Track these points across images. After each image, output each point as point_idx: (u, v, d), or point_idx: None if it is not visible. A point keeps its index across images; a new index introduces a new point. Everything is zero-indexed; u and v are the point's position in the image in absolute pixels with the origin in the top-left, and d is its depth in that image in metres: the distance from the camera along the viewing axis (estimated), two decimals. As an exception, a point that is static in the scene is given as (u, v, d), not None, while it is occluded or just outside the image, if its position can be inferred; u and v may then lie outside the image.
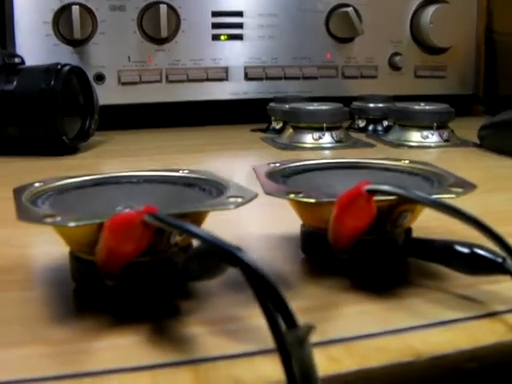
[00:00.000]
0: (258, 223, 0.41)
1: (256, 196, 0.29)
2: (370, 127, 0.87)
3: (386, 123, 0.86)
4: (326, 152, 0.74)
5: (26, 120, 0.69)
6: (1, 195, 0.44)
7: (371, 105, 0.87)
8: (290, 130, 0.78)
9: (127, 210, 0.29)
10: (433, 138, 0.75)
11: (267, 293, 0.21)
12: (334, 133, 0.76)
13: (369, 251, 0.31)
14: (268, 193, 0.30)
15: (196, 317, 0.27)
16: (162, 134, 0.88)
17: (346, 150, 0.74)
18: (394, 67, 0.98)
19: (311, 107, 0.76)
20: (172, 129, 0.90)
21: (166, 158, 0.71)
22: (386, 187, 0.26)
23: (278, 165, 0.38)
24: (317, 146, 0.75)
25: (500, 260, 0.27)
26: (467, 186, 0.31)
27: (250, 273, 0.22)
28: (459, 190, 0.30)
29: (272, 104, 0.88)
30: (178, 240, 0.28)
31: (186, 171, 0.36)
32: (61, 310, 0.28)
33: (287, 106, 0.80)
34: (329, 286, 0.31)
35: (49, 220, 0.25)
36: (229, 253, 0.23)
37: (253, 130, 0.91)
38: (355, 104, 0.88)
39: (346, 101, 0.85)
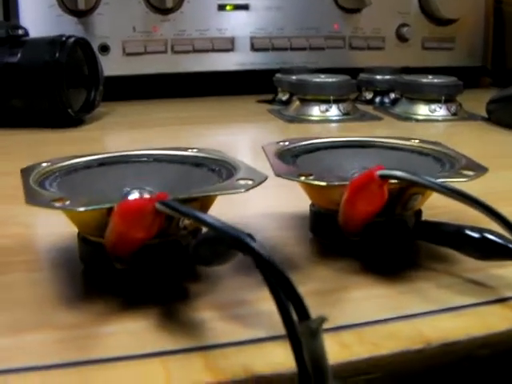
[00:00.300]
0: (267, 202, 0.41)
1: (266, 178, 0.28)
2: (377, 99, 0.86)
3: (393, 95, 0.85)
4: (333, 125, 0.73)
5: (31, 92, 0.68)
6: (6, 170, 0.44)
7: (378, 77, 0.86)
8: (297, 103, 0.77)
9: (137, 195, 0.30)
10: (440, 111, 0.74)
11: (278, 282, 0.21)
12: (341, 105, 0.75)
13: (379, 233, 0.30)
14: (278, 174, 0.30)
15: (205, 300, 0.27)
16: (167, 104, 0.87)
17: (353, 122, 0.73)
18: (402, 38, 0.96)
19: (318, 79, 0.76)
20: (177, 99, 0.90)
21: (172, 130, 0.71)
22: (398, 173, 0.26)
23: (287, 143, 0.37)
24: (324, 118, 0.74)
25: (511, 245, 0.27)
26: (479, 169, 0.31)
27: (260, 261, 0.22)
28: (471, 173, 0.30)
29: (278, 75, 0.87)
30: (186, 223, 0.28)
31: (195, 150, 0.35)
32: (70, 293, 0.28)
33: (294, 78, 0.79)
34: (338, 268, 0.31)
35: (57, 204, 0.25)
36: (239, 240, 0.23)
37: (259, 102, 0.90)
38: (362, 76, 0.87)
39: (353, 72, 0.83)
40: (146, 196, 0.30)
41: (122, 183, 0.33)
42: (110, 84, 0.77)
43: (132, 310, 0.26)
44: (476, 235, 0.28)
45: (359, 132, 0.69)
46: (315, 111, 0.75)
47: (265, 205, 0.41)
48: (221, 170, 0.32)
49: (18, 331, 0.25)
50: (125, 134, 0.71)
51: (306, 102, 0.76)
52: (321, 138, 0.39)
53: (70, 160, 0.33)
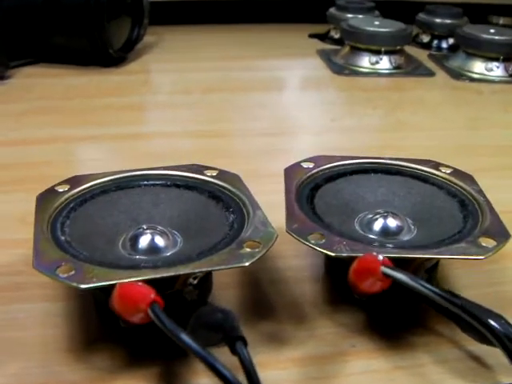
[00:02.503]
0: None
1: (273, 243, 0.28)
2: (435, 43, 0.81)
3: (451, 41, 0.80)
4: (382, 80, 0.70)
5: (71, 30, 0.67)
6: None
7: (438, 20, 0.80)
8: (347, 49, 0.74)
9: (148, 238, 0.30)
10: (497, 71, 0.70)
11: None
12: (392, 57, 0.71)
13: (386, 293, 0.30)
14: (289, 231, 0.29)
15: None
16: (214, 33, 0.85)
17: (403, 78, 0.70)
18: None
19: (371, 28, 0.71)
20: (227, 26, 0.87)
21: (217, 69, 0.69)
22: (401, 276, 0.25)
23: (311, 166, 0.36)
24: (373, 71, 0.71)
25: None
26: (500, 236, 0.30)
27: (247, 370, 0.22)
28: (490, 244, 0.29)
29: (332, 11, 0.82)
30: (191, 281, 0.29)
31: (215, 173, 0.35)
32: (80, 337, 0.29)
33: (345, 24, 0.75)
34: (342, 323, 0.31)
35: (62, 276, 0.25)
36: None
37: (310, 36, 0.86)
38: (421, 17, 0.82)
39: (415, 8, 0.78)
40: (158, 235, 0.31)
41: (137, 213, 0.33)
42: (157, 9, 0.75)
43: (134, 368, 0.27)
44: (482, 320, 0.27)
45: (407, 91, 0.66)
46: (365, 62, 0.71)
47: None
48: (235, 212, 0.31)
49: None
50: (167, 80, 0.70)
51: (356, 50, 0.73)
52: (346, 159, 0.37)
53: (87, 182, 0.33)
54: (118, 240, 0.31)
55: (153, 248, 0.30)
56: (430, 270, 0.32)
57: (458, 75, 0.70)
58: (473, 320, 0.25)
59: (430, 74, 0.71)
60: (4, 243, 0.37)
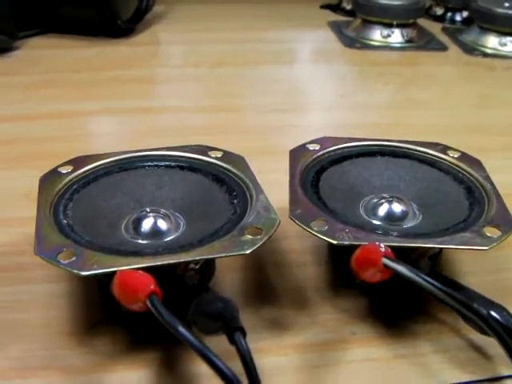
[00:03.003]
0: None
1: (275, 230, 0.28)
2: (448, 16, 0.80)
3: (465, 14, 0.78)
4: (394, 53, 0.69)
5: (79, 0, 0.66)
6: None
7: (453, -8, 0.78)
8: (359, 22, 0.73)
9: (151, 221, 0.30)
10: (511, 46, 0.68)
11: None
12: (404, 31, 0.70)
13: (389, 279, 0.30)
14: (292, 218, 0.29)
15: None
16: (225, 4, 0.83)
17: (415, 52, 0.69)
18: None
19: (383, 0, 0.70)
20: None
21: (228, 50, 0.68)
22: (401, 268, 0.25)
23: (316, 148, 0.36)
24: (384, 44, 0.70)
25: (518, 330, 0.26)
26: (506, 226, 0.29)
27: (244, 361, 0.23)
28: (495, 234, 0.29)
29: (344, -19, 0.81)
30: (193, 266, 0.29)
31: (220, 154, 0.34)
32: (83, 320, 0.30)
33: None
34: (344, 309, 0.31)
35: (63, 262, 0.25)
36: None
37: (322, 7, 0.85)
38: (436, -12, 0.80)
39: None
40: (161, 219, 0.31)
41: (140, 195, 0.33)
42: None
43: (135, 353, 0.28)
44: (483, 311, 0.27)
45: (419, 66, 0.65)
46: (376, 35, 0.70)
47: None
48: (238, 196, 0.31)
49: (26, 370, 0.27)
50: (176, 52, 0.69)
51: (367, 23, 0.71)
52: (353, 141, 0.37)
53: (90, 163, 0.33)
54: (120, 223, 0.31)
55: (155, 231, 0.30)
56: (433, 257, 0.32)
57: (471, 50, 0.69)
58: (473, 315, 0.24)
59: (443, 48, 0.70)
60: (7, 221, 0.37)
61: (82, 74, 0.59)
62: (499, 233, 0.29)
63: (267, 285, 0.32)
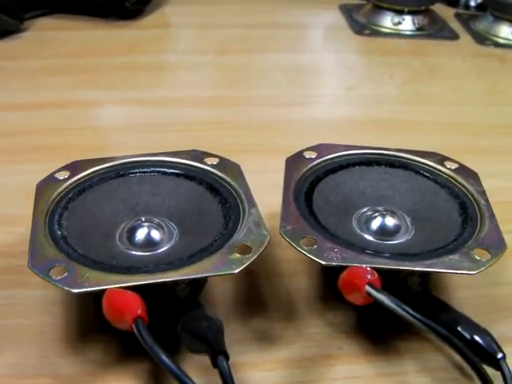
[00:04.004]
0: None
1: (264, 249, 0.28)
2: (462, 1, 0.78)
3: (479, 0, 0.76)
4: (403, 42, 0.68)
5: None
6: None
7: (468, -23, 0.77)
8: (369, 7, 0.72)
9: (145, 231, 0.31)
10: (525, 36, 0.67)
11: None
12: (415, 18, 0.69)
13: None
14: (282, 234, 0.29)
15: (196, 362, 0.28)
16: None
17: (425, 40, 0.68)
18: None
19: (395, -14, 0.69)
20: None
21: (235, 36, 0.67)
22: (384, 299, 0.25)
23: (313, 157, 0.36)
24: (394, 32, 0.69)
25: (500, 356, 0.27)
26: (497, 247, 0.29)
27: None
28: (485, 257, 0.29)
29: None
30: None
31: (216, 161, 0.35)
32: (77, 328, 0.30)
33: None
34: (333, 323, 0.31)
35: (55, 278, 0.26)
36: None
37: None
38: (451, -28, 0.78)
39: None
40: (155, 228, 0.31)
41: (135, 203, 0.33)
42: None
43: (126, 363, 0.28)
44: (467, 335, 0.28)
45: (427, 57, 0.64)
46: (387, 22, 0.69)
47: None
48: (231, 208, 0.32)
49: (21, 379, 0.28)
50: (185, 35, 0.69)
51: (378, 8, 0.70)
52: (350, 149, 0.37)
53: (87, 169, 0.34)
54: (115, 232, 0.32)
55: (149, 242, 0.31)
56: (423, 274, 0.32)
57: (483, 39, 0.68)
58: (454, 349, 0.25)
59: (454, 37, 0.69)
60: (7, 220, 0.38)
61: (87, 60, 0.59)
62: (489, 256, 0.29)
63: (258, 295, 0.33)
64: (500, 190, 0.42)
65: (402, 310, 0.25)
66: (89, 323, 0.31)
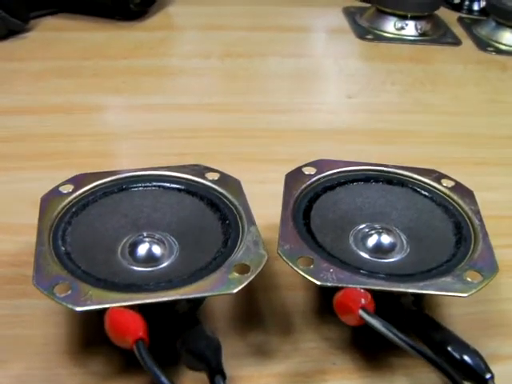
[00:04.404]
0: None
1: (261, 268, 0.29)
2: (466, 5, 0.78)
3: (483, 4, 0.77)
4: (406, 47, 0.68)
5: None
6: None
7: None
8: (373, 11, 0.72)
9: (146, 247, 0.32)
10: (526, 44, 0.67)
11: None
12: (418, 23, 0.70)
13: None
14: (279, 253, 0.30)
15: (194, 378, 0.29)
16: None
17: (427, 46, 0.69)
18: None
19: (398, -8, 0.69)
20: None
21: (238, 39, 0.67)
22: (376, 324, 0.26)
23: (312, 173, 0.37)
24: (397, 37, 0.70)
25: (488, 376, 0.28)
26: (489, 269, 0.30)
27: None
28: (476, 279, 0.30)
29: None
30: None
31: (217, 177, 0.35)
32: (81, 337, 0.31)
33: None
34: (327, 337, 0.32)
35: (58, 295, 0.27)
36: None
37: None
38: (454, -24, 0.79)
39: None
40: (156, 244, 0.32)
41: (137, 217, 0.34)
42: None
43: (127, 375, 0.29)
44: (456, 355, 0.28)
45: (429, 64, 0.65)
46: (390, 27, 0.70)
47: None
48: (230, 225, 0.32)
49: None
50: (190, 38, 0.69)
51: (381, 13, 0.71)
52: (349, 165, 0.38)
53: (90, 182, 0.34)
54: (117, 247, 0.32)
55: (150, 258, 0.32)
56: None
57: (486, 45, 0.68)
58: (443, 374, 0.26)
59: (456, 42, 0.69)
60: (11, 228, 0.39)
61: (91, 62, 0.60)
62: (480, 278, 0.30)
63: (255, 309, 0.34)
64: (496, 203, 0.43)
65: (392, 334, 0.26)
66: (91, 334, 0.32)
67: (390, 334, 0.26)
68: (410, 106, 0.56)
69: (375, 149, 0.49)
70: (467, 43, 0.69)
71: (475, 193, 0.36)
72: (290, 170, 0.36)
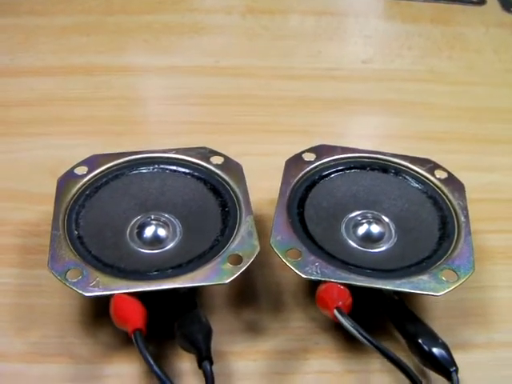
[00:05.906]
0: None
1: (253, 258, 0.32)
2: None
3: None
4: (427, 8, 0.67)
5: None
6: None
7: None
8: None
9: (152, 229, 0.35)
10: (553, 6, 0.66)
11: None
12: (443, -20, 0.68)
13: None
14: (272, 245, 0.33)
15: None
16: None
17: (451, 4, 0.68)
18: None
19: None
20: None
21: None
22: (347, 326, 0.29)
23: (312, 159, 0.39)
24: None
25: (453, 369, 0.31)
26: (465, 269, 0.33)
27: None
28: (452, 278, 0.32)
29: None
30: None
31: (221, 160, 0.38)
32: (93, 309, 0.35)
33: None
34: (314, 317, 0.35)
35: (70, 280, 0.30)
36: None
37: None
38: None
39: None
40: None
41: (145, 199, 0.37)
42: None
43: (131, 347, 0.32)
44: (425, 347, 0.31)
45: (449, 26, 0.64)
46: (414, -17, 0.69)
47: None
48: (229, 212, 0.35)
49: (42, 357, 0.33)
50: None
51: (406, -32, 0.69)
52: (347, 152, 0.39)
53: (103, 164, 0.37)
54: (126, 228, 0.35)
55: (155, 239, 0.35)
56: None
57: (510, 5, 0.67)
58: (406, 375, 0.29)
59: (480, 2, 0.68)
60: (30, 197, 0.41)
61: (114, 18, 0.61)
62: (455, 277, 0.32)
63: (250, 286, 0.37)
64: (499, 185, 0.44)
65: (361, 336, 0.29)
66: (102, 307, 0.35)
67: (360, 336, 0.29)
68: (423, 75, 0.57)
69: (383, 121, 0.51)
70: (491, 3, 0.68)
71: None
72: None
